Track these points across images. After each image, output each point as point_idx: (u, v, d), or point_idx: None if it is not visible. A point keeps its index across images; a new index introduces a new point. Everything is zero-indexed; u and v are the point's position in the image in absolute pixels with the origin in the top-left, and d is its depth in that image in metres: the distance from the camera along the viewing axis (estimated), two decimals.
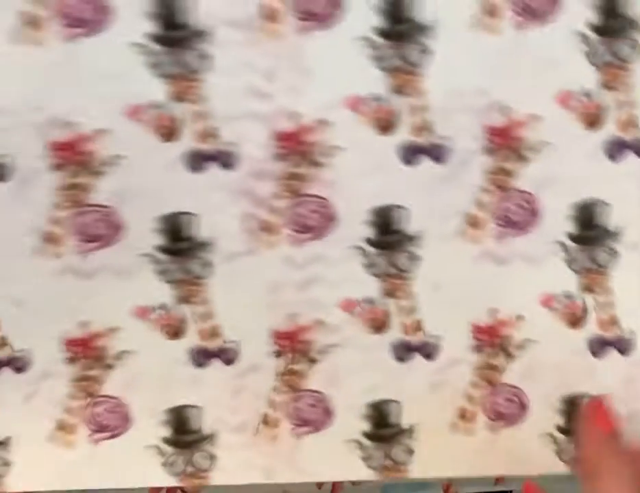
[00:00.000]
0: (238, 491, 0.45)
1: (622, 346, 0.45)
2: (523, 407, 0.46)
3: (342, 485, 0.48)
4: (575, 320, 0.45)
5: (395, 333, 0.44)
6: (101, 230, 0.41)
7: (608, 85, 0.42)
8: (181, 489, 0.47)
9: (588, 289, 0.45)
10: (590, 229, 0.44)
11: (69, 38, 0.39)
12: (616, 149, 0.43)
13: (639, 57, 0.41)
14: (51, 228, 0.41)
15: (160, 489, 0.47)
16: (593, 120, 0.42)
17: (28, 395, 0.43)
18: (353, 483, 0.46)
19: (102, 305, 0.42)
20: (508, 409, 0.46)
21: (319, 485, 0.47)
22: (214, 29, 0.39)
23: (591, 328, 0.45)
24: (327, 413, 0.45)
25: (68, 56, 0.39)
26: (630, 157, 0.43)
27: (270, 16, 0.39)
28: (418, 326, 0.44)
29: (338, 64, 0.40)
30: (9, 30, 0.38)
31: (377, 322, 0.44)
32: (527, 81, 0.41)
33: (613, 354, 0.45)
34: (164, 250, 0.42)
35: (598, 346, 0.45)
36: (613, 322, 0.45)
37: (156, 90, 0.40)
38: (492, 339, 0.45)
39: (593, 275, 0.44)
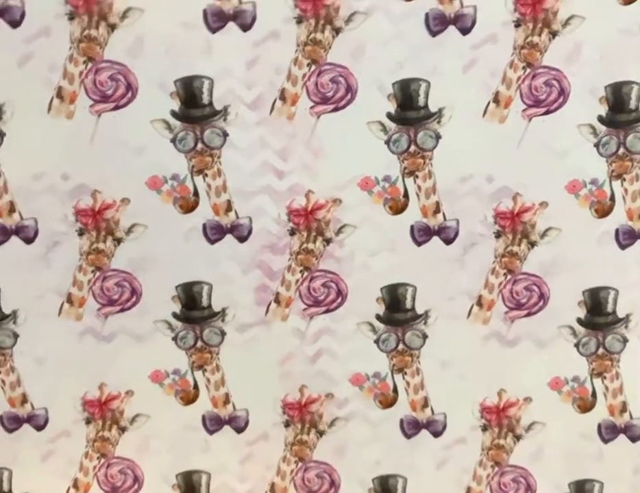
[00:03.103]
0: None
1: (632, 433, 0.45)
2: (529, 489, 0.46)
3: None
4: (585, 405, 0.45)
5: (402, 409, 0.45)
6: (120, 294, 0.43)
7: (616, 176, 0.42)
8: None
9: (597, 374, 0.45)
10: (599, 315, 0.44)
11: (97, 112, 0.41)
12: (625, 238, 0.43)
13: None
14: (73, 290, 0.43)
15: None
16: (602, 209, 0.43)
17: (46, 453, 0.45)
18: None
19: (119, 367, 0.44)
20: (514, 490, 0.46)
21: None
22: (232, 108, 0.41)
23: (601, 413, 0.45)
24: (333, 485, 0.45)
25: (95, 129, 0.41)
26: (638, 245, 0.43)
27: (285, 98, 0.41)
28: (425, 403, 0.45)
29: (351, 145, 0.42)
30: (43, 103, 0.41)
31: (385, 397, 0.45)
32: (535, 169, 0.42)
33: (623, 440, 0.45)
34: (180, 317, 0.43)
35: (608, 432, 0.45)
36: (623, 408, 0.45)
37: (177, 163, 0.41)
38: (499, 420, 0.45)
39: (602, 361, 0.45)
